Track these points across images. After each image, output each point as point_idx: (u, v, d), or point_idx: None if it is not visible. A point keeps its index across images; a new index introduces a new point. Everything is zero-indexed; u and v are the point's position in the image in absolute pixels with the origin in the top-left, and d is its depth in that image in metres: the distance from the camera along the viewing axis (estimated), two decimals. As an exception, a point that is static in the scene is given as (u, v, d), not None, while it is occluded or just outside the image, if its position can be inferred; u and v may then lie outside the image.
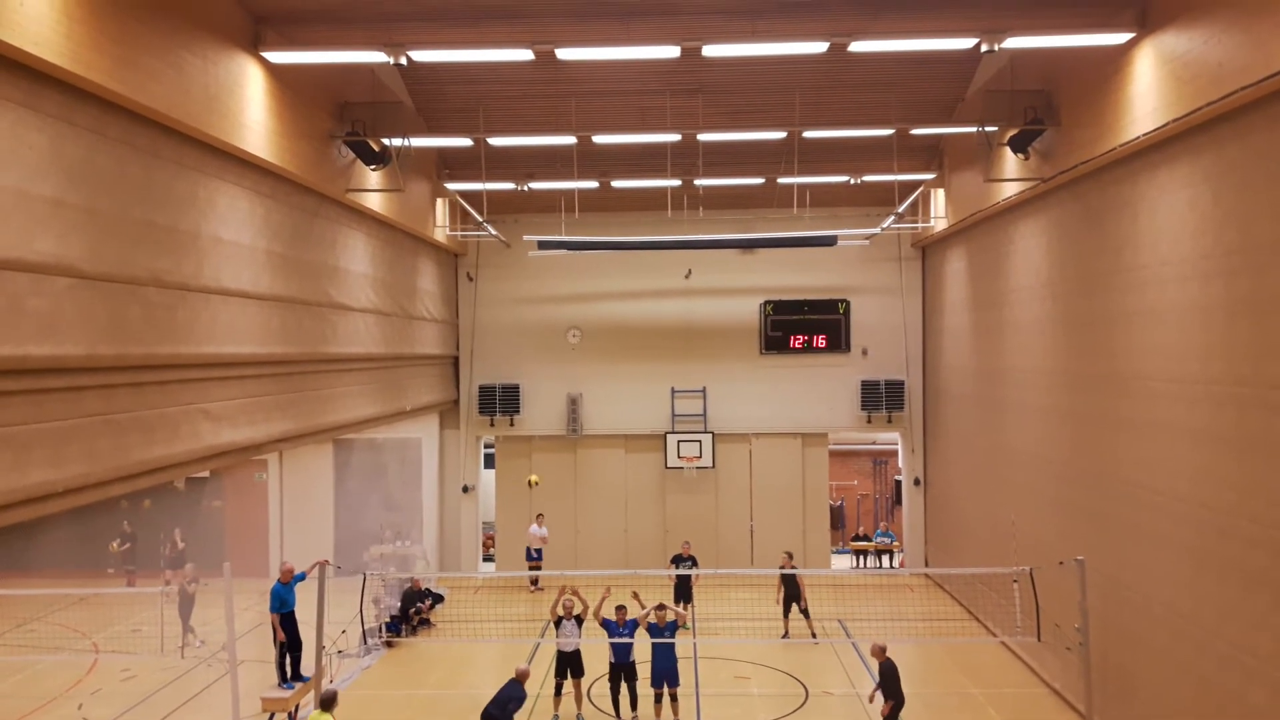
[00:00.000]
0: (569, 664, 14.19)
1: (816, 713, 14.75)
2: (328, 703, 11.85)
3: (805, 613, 17.90)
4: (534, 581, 22.01)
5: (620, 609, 14.25)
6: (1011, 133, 15.12)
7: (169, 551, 20.94)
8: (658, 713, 13.93)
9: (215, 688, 15.54)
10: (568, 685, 14.24)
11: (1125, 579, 12.79)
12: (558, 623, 14.32)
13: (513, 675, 12.78)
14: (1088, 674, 13.39)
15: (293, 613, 13.86)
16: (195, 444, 11.29)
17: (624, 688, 14.11)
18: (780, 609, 18.02)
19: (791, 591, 17.90)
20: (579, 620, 14.27)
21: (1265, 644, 9.63)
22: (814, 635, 17.89)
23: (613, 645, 14.02)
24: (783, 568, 18.22)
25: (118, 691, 15.65)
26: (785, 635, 17.97)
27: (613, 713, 14.20)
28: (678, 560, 18.90)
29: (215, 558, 19.38)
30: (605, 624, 14.14)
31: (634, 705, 14.12)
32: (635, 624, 14.12)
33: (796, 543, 23.52)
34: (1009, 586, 15.35)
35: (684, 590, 18.51)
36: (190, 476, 21.57)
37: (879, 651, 12.89)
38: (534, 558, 21.91)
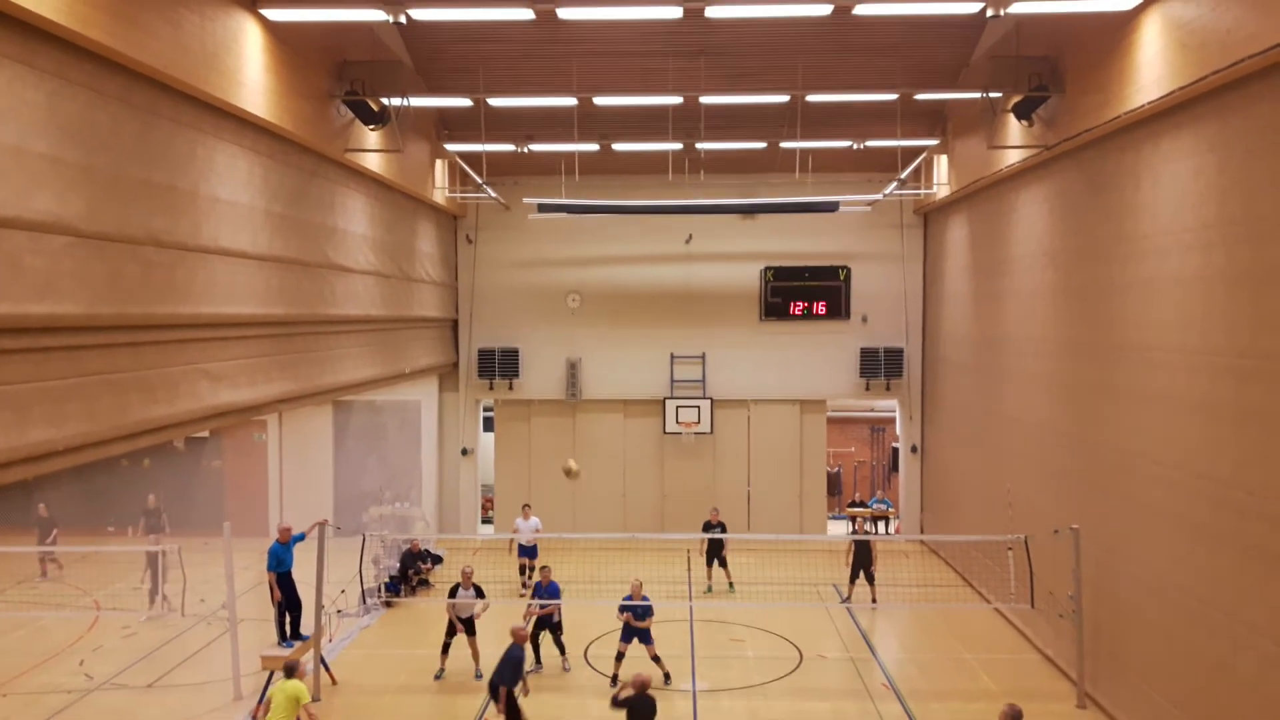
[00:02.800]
0: (464, 625, 14.74)
1: (811, 675, 14.91)
2: (291, 671, 11.22)
3: (871, 578, 17.96)
4: (525, 584, 18.52)
5: (544, 569, 15.18)
6: (1016, 99, 15.00)
7: (144, 517, 20.37)
8: (617, 668, 14.20)
9: (215, 645, 15.72)
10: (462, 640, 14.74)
11: (1119, 548, 12.88)
12: (454, 589, 14.84)
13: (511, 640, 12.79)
14: (1080, 641, 13.53)
15: (289, 573, 13.98)
16: (195, 404, 11.31)
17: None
18: (848, 573, 18.13)
19: (863, 558, 17.96)
20: (478, 590, 14.82)
21: (1257, 615, 9.71)
22: (874, 600, 17.98)
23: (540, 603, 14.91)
24: (855, 533, 18.31)
25: (119, 648, 15.82)
26: (847, 600, 18.14)
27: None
28: (708, 527, 19.16)
29: (215, 517, 19.55)
30: (535, 590, 15.14)
31: (561, 651, 15.03)
32: (556, 586, 15.01)
33: (793, 508, 23.71)
34: (1003, 554, 15.46)
35: (715, 555, 18.99)
36: (190, 436, 21.65)
37: (640, 685, 11.06)
38: (527, 556, 18.92)
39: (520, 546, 19.03)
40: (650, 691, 11.09)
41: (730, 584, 19.01)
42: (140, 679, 14.51)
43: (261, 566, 14.60)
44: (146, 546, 17.68)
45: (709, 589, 18.96)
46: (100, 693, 14.03)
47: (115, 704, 13.65)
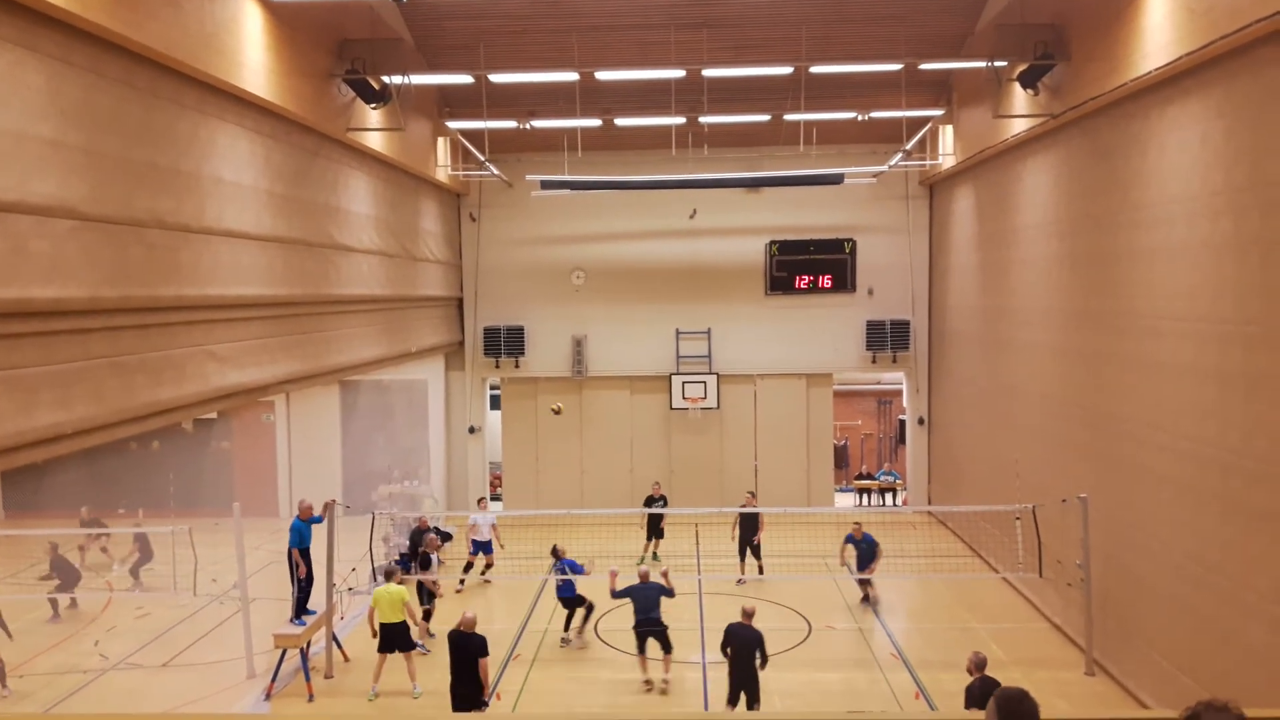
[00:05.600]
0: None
1: (819, 646, 14.99)
2: (390, 575, 13.79)
3: (756, 551, 18.02)
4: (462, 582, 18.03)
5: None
6: (1021, 68, 14.87)
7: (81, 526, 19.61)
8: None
9: (228, 625, 15.84)
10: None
11: (1127, 516, 12.89)
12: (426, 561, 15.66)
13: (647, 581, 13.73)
14: (1088, 610, 13.58)
15: (308, 549, 14.11)
16: (202, 385, 11.34)
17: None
18: (736, 549, 18.16)
19: (747, 532, 17.98)
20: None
21: (1265, 582, 9.73)
22: (761, 571, 18.03)
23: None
24: (744, 506, 18.34)
25: (132, 628, 15.96)
26: (741, 581, 17.98)
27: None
28: (649, 501, 19.63)
29: (225, 498, 19.62)
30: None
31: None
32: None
33: (800, 481, 23.76)
34: (1011, 524, 15.49)
35: (654, 528, 19.39)
36: (198, 418, 21.70)
37: (746, 612, 12.29)
38: (482, 551, 18.03)
39: (474, 542, 17.98)
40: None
41: (655, 555, 19.26)
42: (154, 658, 14.65)
43: (274, 546, 14.68)
44: (161, 528, 17.72)
45: (642, 560, 19.07)
46: (115, 672, 14.17)
47: (130, 683, 13.79)
